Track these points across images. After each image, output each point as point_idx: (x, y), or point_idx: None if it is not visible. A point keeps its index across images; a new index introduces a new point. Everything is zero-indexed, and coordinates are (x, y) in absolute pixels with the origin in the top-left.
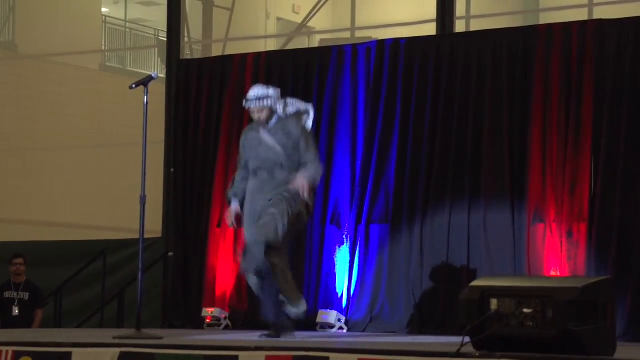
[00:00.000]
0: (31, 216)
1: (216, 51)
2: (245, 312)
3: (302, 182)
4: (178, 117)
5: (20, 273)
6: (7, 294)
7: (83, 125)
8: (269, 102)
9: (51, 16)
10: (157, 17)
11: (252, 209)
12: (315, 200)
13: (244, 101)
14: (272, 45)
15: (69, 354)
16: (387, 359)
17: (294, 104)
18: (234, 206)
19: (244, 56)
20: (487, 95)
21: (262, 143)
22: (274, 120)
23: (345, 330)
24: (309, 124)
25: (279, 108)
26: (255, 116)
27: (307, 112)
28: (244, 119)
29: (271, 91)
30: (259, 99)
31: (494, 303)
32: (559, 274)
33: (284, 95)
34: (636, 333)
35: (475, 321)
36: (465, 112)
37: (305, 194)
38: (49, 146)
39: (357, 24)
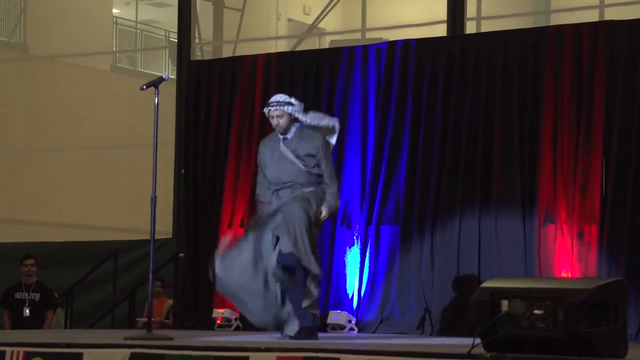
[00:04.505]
0: (42, 217)
1: (227, 52)
2: None
3: (325, 212)
4: (189, 118)
5: (31, 274)
6: (17, 295)
7: (94, 126)
8: (290, 108)
9: (62, 17)
10: (168, 18)
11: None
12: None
13: (265, 107)
14: (282, 47)
15: (80, 355)
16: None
17: (319, 118)
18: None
19: (254, 57)
20: (498, 96)
21: (282, 157)
22: (293, 131)
23: (355, 332)
24: (333, 140)
25: (301, 116)
26: (274, 121)
27: (332, 128)
28: (254, 119)
29: (293, 100)
30: (279, 103)
31: (504, 304)
32: (570, 276)
33: (294, 97)
34: None
35: (486, 322)
36: (475, 113)
37: (324, 217)
38: (59, 147)
39: (368, 25)
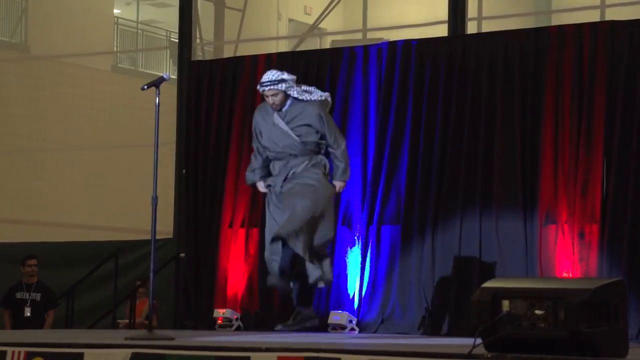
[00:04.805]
0: (43, 217)
1: (228, 52)
2: (257, 313)
3: (339, 186)
4: (190, 118)
5: (34, 274)
6: (18, 295)
7: (95, 126)
8: (283, 85)
9: (63, 17)
10: (169, 19)
11: (276, 203)
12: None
13: (258, 85)
14: (283, 47)
15: (81, 355)
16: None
17: (310, 93)
18: (261, 187)
19: (255, 57)
20: (499, 96)
21: (275, 127)
22: (287, 104)
23: (356, 332)
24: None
25: (294, 92)
26: (269, 100)
27: (325, 100)
28: None
29: (286, 75)
30: (272, 82)
31: (505, 304)
32: (571, 276)
33: (286, 72)
34: None
35: (487, 322)
36: (476, 113)
37: (339, 190)
38: (60, 147)
39: (369, 25)
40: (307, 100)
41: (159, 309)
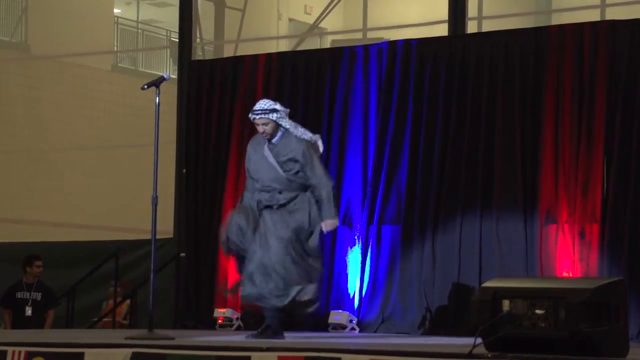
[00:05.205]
0: (43, 217)
1: (228, 52)
2: (257, 313)
3: (326, 225)
4: (190, 118)
5: (39, 274)
6: (19, 295)
7: (95, 126)
8: (274, 116)
9: (63, 17)
10: (169, 18)
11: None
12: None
13: (250, 113)
14: (283, 46)
15: (82, 355)
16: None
17: (302, 132)
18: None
19: (255, 57)
20: (499, 95)
21: (264, 160)
22: (278, 136)
23: (357, 331)
24: (320, 151)
25: (286, 123)
26: (260, 129)
27: (315, 144)
28: None
29: (278, 106)
30: (264, 111)
31: (506, 304)
32: (571, 275)
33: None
34: None
35: (487, 322)
36: (477, 112)
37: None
38: (60, 147)
39: (369, 24)
40: (297, 136)
41: (129, 305)
